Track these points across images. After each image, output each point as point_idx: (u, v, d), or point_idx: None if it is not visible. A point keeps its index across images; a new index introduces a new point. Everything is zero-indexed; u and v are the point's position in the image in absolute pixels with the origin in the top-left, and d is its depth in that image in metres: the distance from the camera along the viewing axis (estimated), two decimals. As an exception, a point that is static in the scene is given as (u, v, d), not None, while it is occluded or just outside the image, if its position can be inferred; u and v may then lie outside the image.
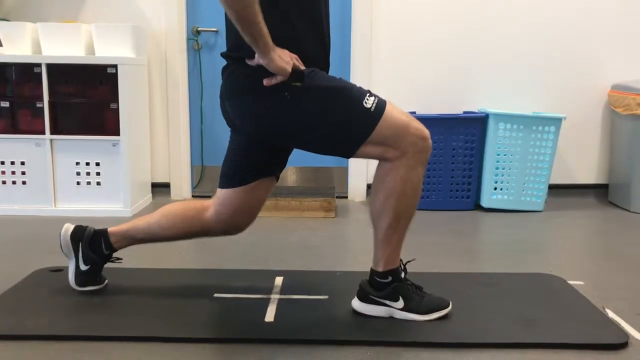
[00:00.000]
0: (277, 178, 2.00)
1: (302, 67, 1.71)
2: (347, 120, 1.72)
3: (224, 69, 1.82)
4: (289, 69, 1.66)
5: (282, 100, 1.70)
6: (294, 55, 1.70)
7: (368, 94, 1.74)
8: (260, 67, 1.67)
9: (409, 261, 1.93)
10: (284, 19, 1.69)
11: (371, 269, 1.87)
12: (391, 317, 1.85)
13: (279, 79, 1.67)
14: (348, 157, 1.79)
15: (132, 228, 2.04)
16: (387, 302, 1.85)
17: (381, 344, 1.71)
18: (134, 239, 2.05)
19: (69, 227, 2.06)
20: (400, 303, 1.84)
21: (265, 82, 1.68)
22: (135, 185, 3.39)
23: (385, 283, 1.84)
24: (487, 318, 1.87)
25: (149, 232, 2.03)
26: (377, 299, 1.85)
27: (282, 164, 1.99)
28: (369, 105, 1.71)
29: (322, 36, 1.80)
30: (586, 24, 3.63)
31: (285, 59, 1.65)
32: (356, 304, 1.89)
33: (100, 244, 2.04)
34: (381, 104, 1.73)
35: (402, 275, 1.87)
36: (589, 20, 3.63)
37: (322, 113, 1.72)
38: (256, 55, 1.65)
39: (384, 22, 3.63)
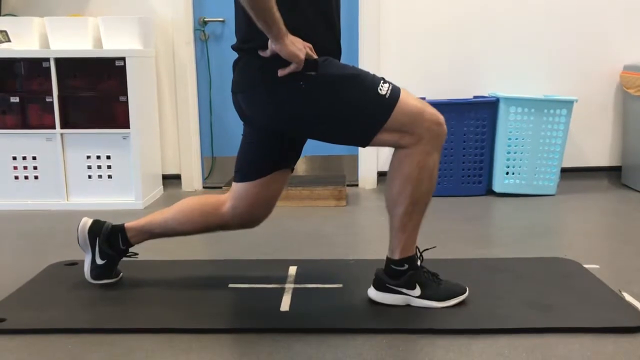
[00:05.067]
0: (292, 169, 1.99)
1: (315, 56, 1.69)
2: (363, 108, 1.71)
3: (236, 63, 1.81)
4: (302, 56, 1.65)
5: (297, 90, 1.69)
6: (308, 44, 1.68)
7: (382, 81, 1.73)
8: (273, 58, 1.66)
9: (427, 249, 1.92)
10: (294, 9, 1.67)
11: (387, 257, 1.86)
12: (407, 305, 1.85)
13: (292, 67, 1.66)
14: (364, 145, 1.78)
15: (149, 223, 2.04)
16: (404, 290, 1.84)
17: (397, 331, 1.70)
18: (151, 233, 2.05)
19: (86, 222, 2.07)
20: (417, 291, 1.83)
21: (280, 72, 1.67)
22: (146, 178, 3.40)
23: (401, 271, 1.83)
24: (502, 303, 1.86)
25: (165, 227, 2.03)
26: (394, 288, 1.85)
27: (297, 155, 1.98)
28: (383, 92, 1.70)
29: (333, 25, 1.78)
30: (597, 5, 3.58)
31: (298, 46, 1.64)
32: (372, 293, 1.89)
33: (117, 239, 2.04)
34: (396, 91, 1.72)
35: (419, 262, 1.86)
36: (599, 0, 3.58)
37: (337, 101, 1.71)
38: (269, 43, 1.64)
39: (392, 7, 3.59)
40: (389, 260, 1.85)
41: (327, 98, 1.71)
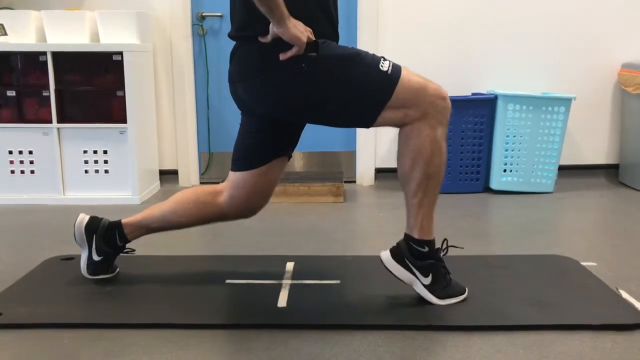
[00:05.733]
0: (290, 157, 1.99)
1: (314, 39, 1.70)
2: (366, 86, 1.71)
3: (234, 51, 1.79)
4: (305, 39, 1.65)
5: (300, 73, 1.69)
6: (308, 28, 1.68)
7: (383, 59, 1.73)
8: (273, 43, 1.66)
9: (454, 246, 1.90)
10: None
11: (406, 234, 1.83)
12: (402, 301, 1.84)
13: (294, 51, 1.65)
14: (368, 126, 1.77)
15: (146, 217, 2.03)
16: (417, 273, 1.82)
17: (394, 327, 1.70)
18: (148, 228, 2.04)
19: (83, 218, 2.05)
20: (428, 280, 1.82)
21: (281, 56, 1.67)
22: (143, 173, 3.39)
23: (422, 252, 1.81)
24: (500, 300, 1.86)
25: (163, 221, 2.02)
26: (410, 266, 1.82)
27: (294, 143, 1.97)
28: (385, 69, 1.71)
29: (331, 15, 1.78)
30: (595, 3, 3.58)
31: (300, 29, 1.65)
32: (386, 257, 1.84)
33: (114, 236, 2.03)
34: (397, 67, 1.73)
35: (442, 254, 1.85)
36: (598, -2, 3.58)
37: (340, 81, 1.71)
38: (270, 27, 1.64)
39: (390, 3, 3.58)
40: (409, 237, 1.82)
41: (330, 78, 1.70)
